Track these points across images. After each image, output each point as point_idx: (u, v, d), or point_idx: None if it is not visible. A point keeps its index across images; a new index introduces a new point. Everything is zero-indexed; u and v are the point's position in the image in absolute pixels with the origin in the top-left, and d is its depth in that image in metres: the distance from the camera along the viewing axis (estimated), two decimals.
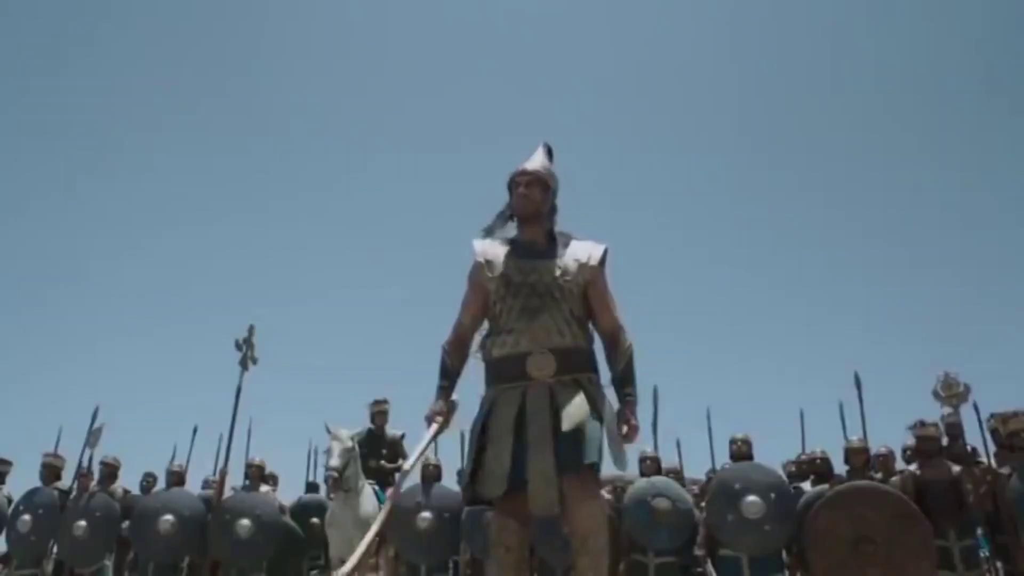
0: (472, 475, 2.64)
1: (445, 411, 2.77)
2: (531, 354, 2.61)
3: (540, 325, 2.63)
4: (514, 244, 2.85)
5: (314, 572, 7.34)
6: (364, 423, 6.92)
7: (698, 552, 6.13)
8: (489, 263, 2.78)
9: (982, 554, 6.14)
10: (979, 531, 5.98)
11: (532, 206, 2.83)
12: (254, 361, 6.62)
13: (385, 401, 7.15)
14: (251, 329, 6.74)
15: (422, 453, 2.83)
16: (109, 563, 6.82)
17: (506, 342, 2.67)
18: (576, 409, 2.54)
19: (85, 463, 7.01)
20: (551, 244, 2.84)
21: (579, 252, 2.80)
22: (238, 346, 6.60)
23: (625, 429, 2.65)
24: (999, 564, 6.16)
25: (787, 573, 6.23)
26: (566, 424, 2.49)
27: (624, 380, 2.76)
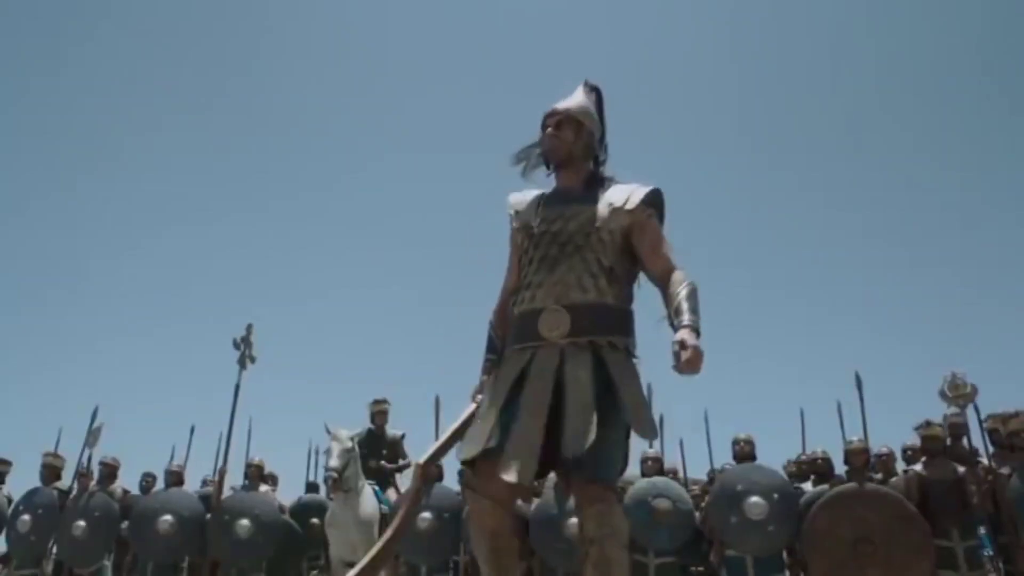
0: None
1: None
2: (544, 310, 2.27)
3: (558, 278, 2.28)
4: (550, 193, 2.54)
5: (314, 572, 7.33)
6: (364, 423, 6.92)
7: (714, 560, 6.10)
8: (518, 213, 2.52)
9: (986, 554, 6.13)
10: (982, 531, 5.97)
11: (564, 147, 2.48)
12: (252, 360, 6.61)
13: (385, 401, 7.13)
14: (249, 328, 6.74)
15: (456, 433, 2.40)
16: (108, 563, 6.81)
17: (524, 298, 2.34)
18: (581, 397, 2.11)
19: (85, 463, 7.01)
20: (589, 190, 2.47)
21: (616, 196, 2.41)
22: (236, 345, 6.60)
23: (686, 355, 2.01)
24: (1001, 564, 6.15)
25: (787, 573, 6.23)
26: (569, 425, 2.08)
27: (679, 311, 2.17)
